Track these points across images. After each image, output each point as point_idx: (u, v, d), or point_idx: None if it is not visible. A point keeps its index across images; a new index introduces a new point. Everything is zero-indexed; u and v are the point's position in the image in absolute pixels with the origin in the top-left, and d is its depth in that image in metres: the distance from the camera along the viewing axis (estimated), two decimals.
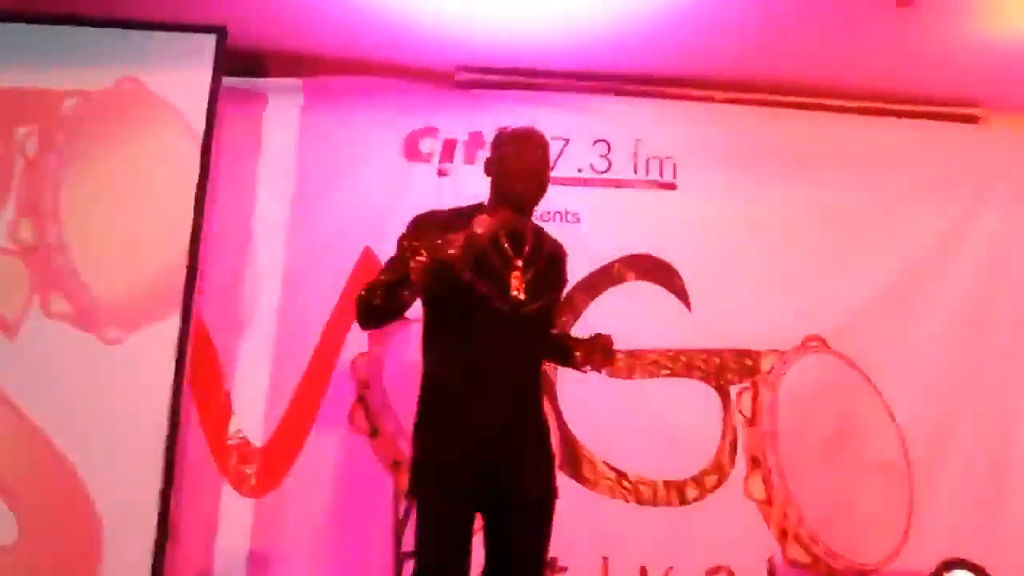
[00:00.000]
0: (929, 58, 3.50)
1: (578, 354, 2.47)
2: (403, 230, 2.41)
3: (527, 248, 2.42)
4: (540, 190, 2.42)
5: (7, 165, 3.09)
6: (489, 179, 2.46)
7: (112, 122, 3.19)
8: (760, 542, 3.37)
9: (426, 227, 2.33)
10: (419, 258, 2.16)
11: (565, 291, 2.74)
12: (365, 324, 2.41)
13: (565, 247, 2.60)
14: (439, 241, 2.17)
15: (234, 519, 3.20)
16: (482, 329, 2.32)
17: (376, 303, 2.28)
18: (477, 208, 2.37)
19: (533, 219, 2.51)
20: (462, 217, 2.29)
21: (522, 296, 2.35)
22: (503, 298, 2.33)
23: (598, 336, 2.42)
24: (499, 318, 2.32)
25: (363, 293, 2.32)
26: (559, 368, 3.15)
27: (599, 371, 2.53)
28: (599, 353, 2.41)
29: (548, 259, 2.48)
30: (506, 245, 2.37)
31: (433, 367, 2.40)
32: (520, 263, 2.38)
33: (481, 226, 2.19)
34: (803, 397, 3.51)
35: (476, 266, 2.27)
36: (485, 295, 2.31)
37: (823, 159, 3.71)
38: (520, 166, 2.37)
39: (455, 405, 2.31)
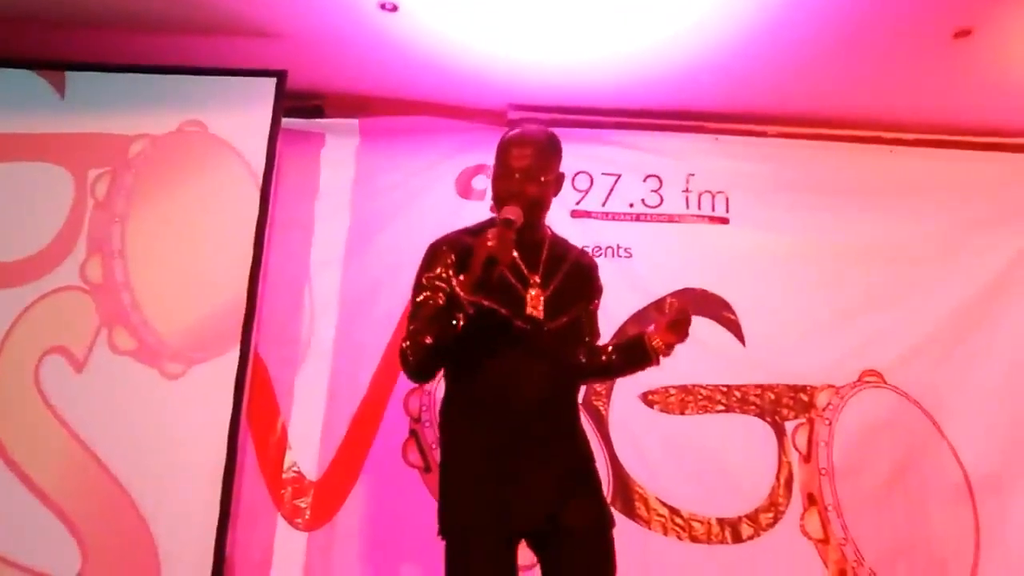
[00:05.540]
0: (987, 89, 3.47)
1: (651, 330, 2.29)
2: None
3: (543, 260, 2.26)
4: (535, 187, 2.20)
5: (80, 206, 3.20)
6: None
7: (176, 164, 3.28)
8: None
9: (444, 252, 2.22)
10: (489, 243, 1.99)
11: (598, 302, 2.47)
12: (418, 372, 2.20)
13: (618, 273, 2.49)
14: (474, 244, 2.04)
15: (287, 552, 3.22)
16: (503, 351, 2.16)
17: (427, 342, 2.11)
18: (488, 223, 2.22)
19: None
20: (470, 234, 2.22)
21: (539, 314, 2.20)
22: (522, 317, 2.18)
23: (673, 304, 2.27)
24: (521, 338, 2.17)
25: (405, 345, 2.16)
26: (610, 403, 3.14)
27: (669, 351, 2.30)
28: (677, 325, 2.24)
29: (571, 270, 2.31)
30: (519, 260, 2.20)
31: (452, 393, 2.27)
32: (538, 279, 2.23)
33: (511, 213, 2.07)
34: (861, 433, 3.44)
35: (493, 287, 2.08)
36: (504, 315, 2.15)
37: (878, 192, 3.68)
38: (509, 168, 2.20)
39: (477, 432, 2.17)
